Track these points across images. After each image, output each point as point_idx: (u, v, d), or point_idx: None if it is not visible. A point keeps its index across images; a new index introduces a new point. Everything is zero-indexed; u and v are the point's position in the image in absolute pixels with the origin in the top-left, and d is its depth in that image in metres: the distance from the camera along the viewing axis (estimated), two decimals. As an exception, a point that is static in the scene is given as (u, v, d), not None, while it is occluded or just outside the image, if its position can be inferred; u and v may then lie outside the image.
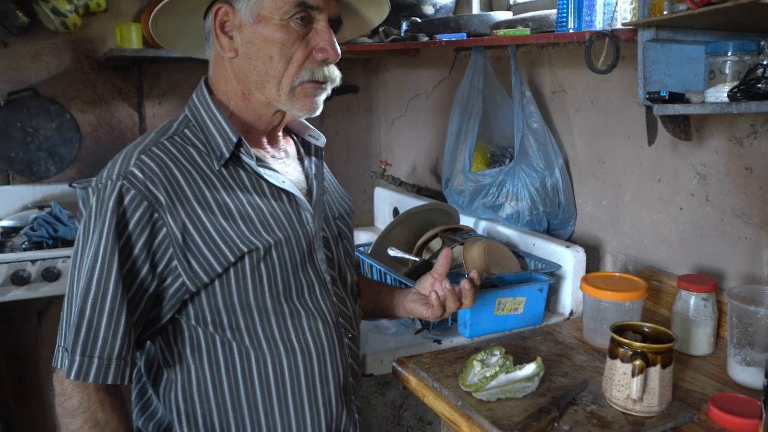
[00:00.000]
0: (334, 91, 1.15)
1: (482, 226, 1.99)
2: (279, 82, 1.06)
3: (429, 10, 2.25)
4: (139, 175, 0.99)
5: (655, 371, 1.10)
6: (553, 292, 1.71)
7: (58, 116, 2.59)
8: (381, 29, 2.32)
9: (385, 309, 1.34)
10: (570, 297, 1.67)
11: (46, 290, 2.05)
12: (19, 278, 1.98)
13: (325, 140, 1.25)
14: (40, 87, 2.56)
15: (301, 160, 1.22)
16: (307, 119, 1.20)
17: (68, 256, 2.07)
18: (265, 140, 1.16)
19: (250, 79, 1.08)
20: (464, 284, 1.22)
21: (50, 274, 2.03)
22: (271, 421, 1.07)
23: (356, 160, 3.16)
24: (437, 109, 2.57)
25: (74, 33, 2.52)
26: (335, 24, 1.09)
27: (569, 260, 1.67)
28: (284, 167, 1.16)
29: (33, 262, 2.01)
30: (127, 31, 2.44)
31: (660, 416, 1.12)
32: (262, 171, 1.08)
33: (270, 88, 1.07)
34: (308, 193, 1.17)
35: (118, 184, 0.98)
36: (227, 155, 1.05)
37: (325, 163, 1.27)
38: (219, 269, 1.00)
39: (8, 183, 2.57)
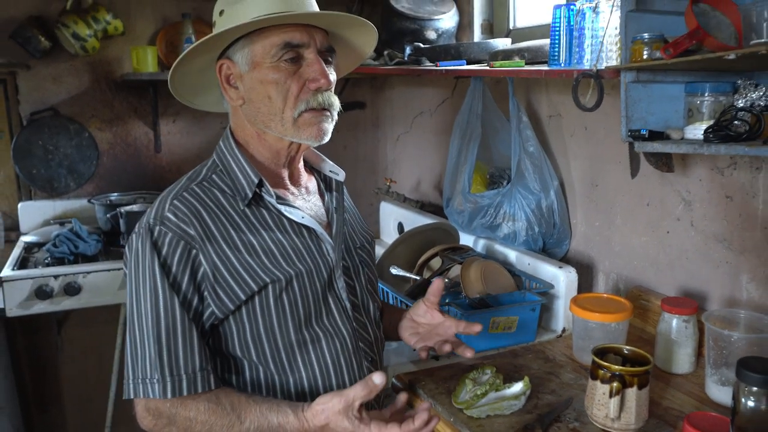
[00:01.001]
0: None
1: (481, 245, 2.08)
2: (282, 118, 1.16)
3: (431, 35, 2.35)
4: (173, 218, 1.10)
5: (632, 392, 1.19)
6: (547, 310, 1.80)
7: (77, 135, 2.71)
8: (386, 52, 2.42)
9: (390, 333, 1.42)
10: (562, 315, 1.76)
11: (67, 304, 2.17)
12: (42, 292, 2.10)
13: (344, 175, 1.34)
14: (60, 107, 2.68)
15: (321, 195, 1.31)
16: (323, 148, 1.26)
17: (88, 272, 2.18)
18: (287, 178, 1.25)
19: (259, 120, 1.18)
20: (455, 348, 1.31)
21: (71, 289, 2.14)
22: None
23: (363, 174, 3.26)
24: (441, 127, 2.66)
25: (93, 55, 2.65)
26: (327, 54, 1.18)
27: (561, 280, 1.76)
28: (305, 203, 1.26)
29: (56, 277, 2.13)
30: (143, 54, 2.55)
31: (637, 434, 1.21)
32: (282, 208, 1.18)
33: (276, 124, 1.17)
34: (328, 225, 1.26)
35: (156, 228, 1.10)
36: (250, 195, 1.16)
37: (347, 196, 1.37)
38: (243, 297, 1.11)
39: (30, 198, 2.70)
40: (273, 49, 1.13)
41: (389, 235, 2.69)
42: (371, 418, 1.05)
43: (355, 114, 3.20)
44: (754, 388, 1.09)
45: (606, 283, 1.92)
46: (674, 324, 1.48)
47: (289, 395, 1.17)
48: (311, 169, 1.35)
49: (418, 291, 1.83)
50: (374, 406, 1.28)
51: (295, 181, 1.28)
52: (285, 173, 1.26)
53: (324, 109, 1.17)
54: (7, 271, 2.15)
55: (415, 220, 2.43)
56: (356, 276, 1.28)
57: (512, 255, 1.95)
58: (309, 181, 1.32)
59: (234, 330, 1.14)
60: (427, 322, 1.32)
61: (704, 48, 1.20)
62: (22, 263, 2.28)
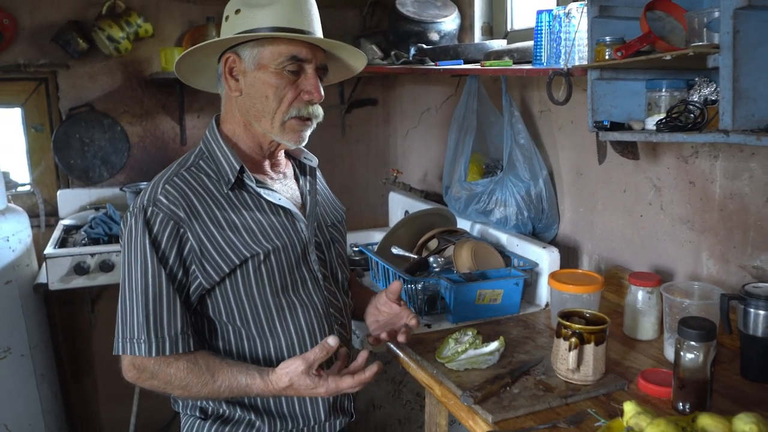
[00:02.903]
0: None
1: (476, 229, 2.27)
2: (272, 118, 1.32)
3: (435, 36, 2.54)
4: (164, 201, 1.24)
5: (589, 348, 1.38)
6: (532, 285, 1.98)
7: (111, 128, 2.95)
8: (393, 53, 2.62)
9: (359, 314, 1.57)
10: (545, 291, 1.95)
11: (102, 279, 2.41)
12: (80, 269, 2.34)
13: (317, 161, 1.51)
14: (95, 103, 2.93)
15: (297, 179, 1.48)
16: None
17: (120, 251, 2.41)
18: (267, 165, 1.40)
19: (251, 114, 1.32)
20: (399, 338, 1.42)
21: (106, 266, 2.38)
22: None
23: (375, 167, 3.46)
24: (445, 123, 2.85)
25: (125, 56, 2.88)
26: (322, 71, 1.36)
27: (545, 259, 1.95)
28: (282, 186, 1.41)
29: (92, 255, 2.37)
30: (171, 55, 2.78)
31: (594, 384, 1.39)
32: (261, 191, 1.33)
33: (265, 121, 1.32)
34: (303, 206, 1.43)
35: (149, 209, 1.24)
36: (233, 180, 1.30)
37: (321, 179, 1.54)
38: (227, 269, 1.26)
39: (68, 187, 2.95)
40: (281, 58, 1.28)
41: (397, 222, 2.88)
42: (328, 375, 1.23)
43: (368, 110, 3.40)
44: (692, 342, 1.27)
45: (589, 264, 2.09)
46: (639, 295, 1.65)
47: (269, 357, 1.31)
48: (288, 156, 1.49)
49: (415, 268, 2.03)
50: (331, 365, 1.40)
51: (274, 167, 1.42)
52: (266, 161, 1.40)
53: (308, 119, 1.34)
54: (49, 250, 2.40)
55: (420, 208, 2.62)
56: (327, 250, 1.44)
57: (503, 237, 2.14)
58: (286, 167, 1.47)
59: (219, 299, 1.28)
60: (387, 311, 1.48)
61: (656, 50, 1.38)
62: (62, 243, 2.53)
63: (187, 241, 1.24)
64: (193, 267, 1.25)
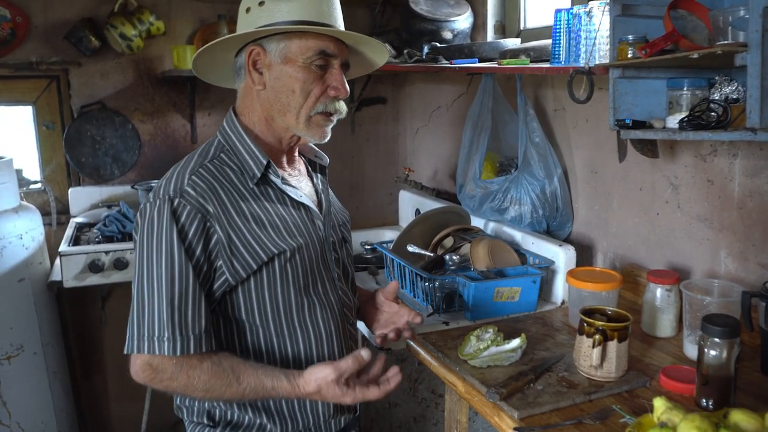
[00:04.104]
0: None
1: (490, 227, 2.28)
2: (298, 112, 1.29)
3: (448, 35, 2.54)
4: (192, 192, 1.19)
5: (612, 344, 1.38)
6: (548, 283, 1.99)
7: (122, 126, 2.95)
8: (405, 51, 2.62)
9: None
10: (561, 288, 1.95)
11: (116, 277, 2.41)
12: (95, 266, 2.35)
13: (328, 160, 1.49)
14: (107, 101, 2.93)
15: (309, 176, 1.46)
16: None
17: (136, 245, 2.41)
18: (284, 160, 1.37)
19: (275, 108, 1.29)
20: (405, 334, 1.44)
21: (120, 263, 2.39)
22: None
23: (384, 165, 3.47)
24: (456, 121, 2.86)
25: (137, 54, 2.88)
26: (344, 67, 1.34)
27: (561, 257, 1.95)
28: (299, 183, 1.40)
29: (107, 253, 2.38)
30: (182, 53, 2.78)
31: (617, 381, 1.40)
32: (285, 188, 1.32)
33: (290, 116, 1.29)
34: (318, 204, 1.40)
35: (176, 200, 1.18)
36: (259, 175, 1.26)
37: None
38: (254, 266, 1.24)
39: (80, 184, 2.95)
40: (309, 52, 1.26)
41: (408, 220, 2.88)
42: (355, 384, 1.22)
43: (377, 108, 3.40)
44: (716, 339, 1.28)
45: (604, 262, 2.10)
46: (658, 293, 1.66)
47: (286, 358, 1.29)
48: (299, 154, 1.46)
49: (431, 266, 2.03)
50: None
51: (290, 163, 1.40)
52: (283, 156, 1.37)
53: (332, 114, 1.33)
54: (64, 247, 2.40)
55: (432, 206, 2.62)
56: (340, 249, 1.44)
57: (518, 235, 2.15)
58: (300, 165, 1.44)
59: (241, 296, 1.24)
60: (387, 310, 1.48)
61: (680, 48, 1.39)
62: (75, 241, 2.53)
63: (214, 235, 1.20)
64: (220, 262, 1.21)
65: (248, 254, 1.22)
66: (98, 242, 2.47)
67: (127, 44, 2.76)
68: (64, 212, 2.92)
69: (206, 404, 1.30)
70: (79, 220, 2.75)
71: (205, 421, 1.30)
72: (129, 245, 2.43)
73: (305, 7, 1.26)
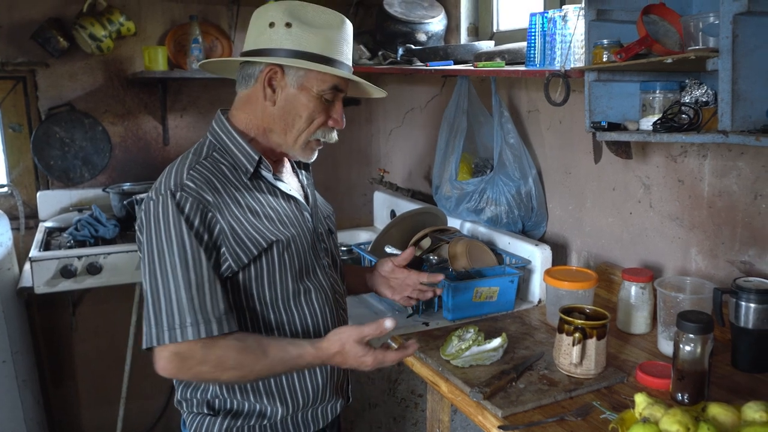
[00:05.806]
0: None
1: (467, 228, 2.31)
2: (298, 136, 1.36)
3: (422, 37, 2.56)
4: (192, 185, 1.26)
5: (591, 342, 1.42)
6: (525, 283, 2.02)
7: (92, 128, 2.90)
8: (380, 53, 2.63)
9: (355, 288, 1.65)
10: (538, 287, 1.99)
11: (89, 282, 2.37)
12: (67, 271, 2.30)
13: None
14: (76, 102, 2.87)
15: (295, 173, 1.52)
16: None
17: (108, 253, 2.38)
18: (272, 160, 1.45)
19: (277, 125, 1.37)
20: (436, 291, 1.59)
21: (93, 269, 2.34)
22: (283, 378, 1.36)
23: (358, 166, 3.47)
24: (430, 122, 2.88)
25: (107, 54, 2.83)
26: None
27: (538, 256, 1.99)
28: (288, 178, 1.46)
29: (79, 257, 2.33)
30: (154, 54, 2.75)
31: (596, 378, 1.43)
32: (276, 182, 1.38)
33: (290, 137, 1.37)
34: (305, 198, 1.48)
35: (178, 194, 1.23)
36: (251, 170, 1.35)
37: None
38: (255, 252, 1.29)
39: (48, 188, 2.89)
40: (324, 86, 1.33)
41: (383, 221, 2.91)
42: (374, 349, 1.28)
43: (351, 110, 3.40)
44: (691, 336, 1.32)
45: (578, 261, 2.14)
46: (632, 291, 1.70)
47: None
48: None
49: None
50: None
51: (278, 162, 1.47)
52: (273, 157, 1.44)
53: (324, 140, 1.41)
54: (35, 252, 2.34)
55: (407, 207, 2.65)
56: (327, 240, 1.51)
57: (495, 235, 2.18)
58: (286, 162, 1.51)
59: (241, 283, 1.31)
60: (396, 276, 1.59)
61: (653, 53, 1.43)
62: (45, 246, 2.48)
63: (217, 224, 1.25)
64: (224, 249, 1.26)
65: (249, 241, 1.28)
66: (70, 247, 2.42)
67: (97, 45, 2.72)
68: (33, 216, 2.86)
69: (207, 395, 1.34)
70: (49, 224, 2.70)
71: (206, 410, 1.34)
72: (103, 249, 2.39)
73: (329, 46, 1.33)
